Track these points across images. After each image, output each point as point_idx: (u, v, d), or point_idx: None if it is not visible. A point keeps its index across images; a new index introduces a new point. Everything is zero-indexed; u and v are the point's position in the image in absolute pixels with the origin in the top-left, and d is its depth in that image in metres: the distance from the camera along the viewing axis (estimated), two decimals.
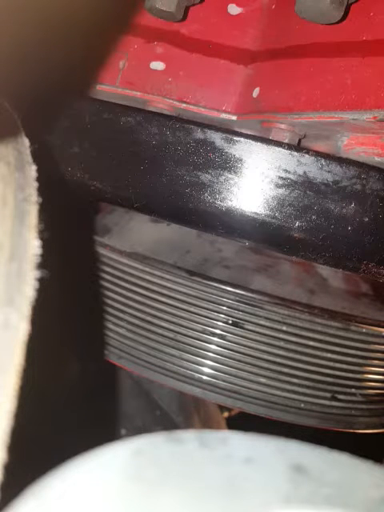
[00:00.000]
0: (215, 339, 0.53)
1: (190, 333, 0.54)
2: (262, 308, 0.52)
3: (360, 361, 0.55)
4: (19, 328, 0.23)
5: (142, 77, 0.52)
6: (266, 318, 0.52)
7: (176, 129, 0.44)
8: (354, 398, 0.56)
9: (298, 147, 0.43)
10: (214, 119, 0.51)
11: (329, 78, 0.43)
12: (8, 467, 0.21)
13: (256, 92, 0.49)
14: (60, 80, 0.50)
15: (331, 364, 0.54)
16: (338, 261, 0.45)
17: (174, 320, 0.54)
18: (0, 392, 0.21)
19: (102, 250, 0.60)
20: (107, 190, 0.47)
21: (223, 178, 0.44)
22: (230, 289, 0.53)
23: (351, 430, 0.57)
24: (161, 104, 0.52)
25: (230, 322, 0.53)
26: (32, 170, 0.31)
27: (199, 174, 0.44)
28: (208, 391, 0.54)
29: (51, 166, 0.49)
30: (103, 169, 0.47)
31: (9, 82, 0.39)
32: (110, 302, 0.58)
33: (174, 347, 0.54)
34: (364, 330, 0.54)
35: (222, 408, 0.87)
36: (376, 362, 0.56)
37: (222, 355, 0.53)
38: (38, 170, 0.31)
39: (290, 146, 0.43)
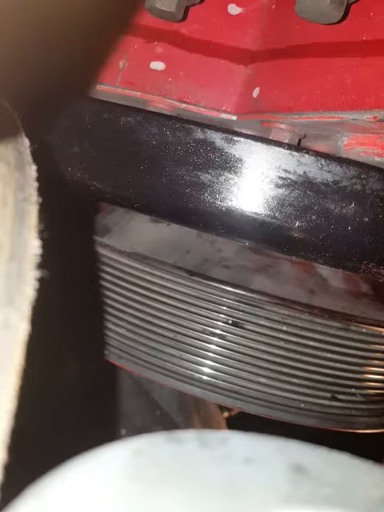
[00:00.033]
0: (215, 339, 0.53)
1: (190, 333, 0.54)
2: (261, 308, 0.52)
3: (360, 361, 0.55)
4: (19, 328, 0.23)
5: (141, 77, 0.52)
6: (266, 318, 0.52)
7: (176, 129, 0.44)
8: (353, 398, 0.56)
9: (298, 147, 0.43)
10: (213, 119, 0.51)
11: (329, 77, 0.43)
12: (8, 467, 0.21)
13: (256, 92, 0.49)
14: (60, 80, 0.50)
15: (331, 364, 0.54)
16: (338, 261, 0.45)
17: (174, 320, 0.54)
18: (0, 392, 0.21)
19: (102, 250, 0.60)
20: (107, 190, 0.47)
21: (223, 178, 0.44)
22: (230, 289, 0.53)
23: (351, 430, 0.57)
24: (161, 104, 0.52)
25: (230, 321, 0.53)
26: (32, 170, 0.31)
27: (199, 173, 0.44)
28: (208, 391, 0.54)
29: (51, 165, 0.48)
30: (103, 169, 0.47)
31: (9, 82, 0.39)
32: (109, 301, 0.58)
33: (174, 347, 0.54)
34: (364, 330, 0.54)
35: (222, 408, 0.87)
36: (376, 361, 0.56)
37: (221, 355, 0.53)
38: (38, 170, 0.31)
39: (290, 146, 0.43)
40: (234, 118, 0.51)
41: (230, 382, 0.53)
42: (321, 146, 0.52)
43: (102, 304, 0.59)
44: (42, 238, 0.26)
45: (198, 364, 0.54)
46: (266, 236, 0.45)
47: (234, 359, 0.53)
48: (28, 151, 0.33)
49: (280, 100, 0.46)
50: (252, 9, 0.50)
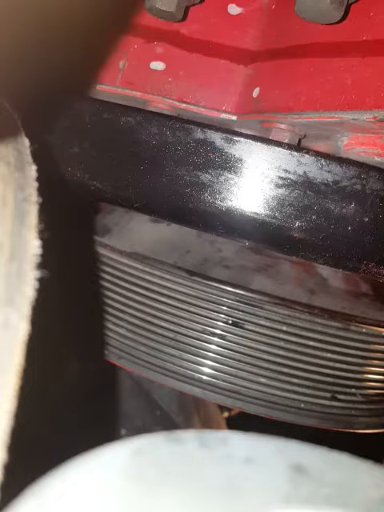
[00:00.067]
0: (215, 339, 0.53)
1: (190, 333, 0.54)
2: (262, 308, 0.52)
3: (360, 361, 0.55)
4: (19, 328, 0.23)
5: (142, 77, 0.52)
6: (266, 318, 0.52)
7: (176, 129, 0.44)
8: (353, 398, 0.56)
9: (298, 147, 0.43)
10: (214, 119, 0.51)
11: (329, 77, 0.43)
12: (8, 467, 0.21)
13: (256, 92, 0.49)
14: (60, 80, 0.50)
15: (331, 364, 0.54)
16: (338, 261, 0.45)
17: (174, 320, 0.54)
18: (0, 392, 0.21)
19: (102, 250, 0.60)
20: (107, 190, 0.47)
21: (223, 177, 0.44)
22: (230, 289, 0.53)
23: (351, 430, 0.57)
24: (161, 104, 0.52)
25: (230, 321, 0.53)
26: (32, 170, 0.31)
27: (199, 173, 0.44)
28: (208, 391, 0.54)
29: (51, 165, 0.48)
30: (103, 169, 0.47)
31: (9, 82, 0.39)
32: (109, 301, 0.58)
33: (174, 347, 0.54)
34: (364, 330, 0.54)
35: (222, 408, 0.87)
36: (376, 361, 0.56)
37: (222, 355, 0.53)
38: (38, 170, 0.31)
39: (290, 146, 0.43)
40: (234, 118, 0.51)
41: (230, 382, 0.53)
42: (321, 146, 0.52)
43: (102, 304, 0.58)
44: (42, 238, 0.26)
45: (198, 364, 0.54)
46: (265, 236, 0.45)
47: (233, 359, 0.53)
48: (28, 151, 0.33)
49: (280, 100, 0.46)
50: (252, 9, 0.50)
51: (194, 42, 0.51)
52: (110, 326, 0.58)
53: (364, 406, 0.57)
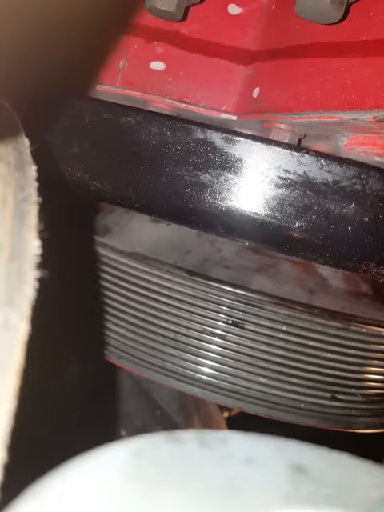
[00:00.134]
0: (215, 339, 0.53)
1: (190, 333, 0.54)
2: (262, 308, 0.52)
3: (360, 361, 0.55)
4: (19, 328, 0.23)
5: (142, 77, 0.52)
6: (266, 318, 0.52)
7: (176, 129, 0.44)
8: (354, 398, 0.56)
9: (298, 147, 0.43)
10: (214, 119, 0.51)
11: (329, 77, 0.43)
12: (8, 467, 0.21)
13: (256, 92, 0.49)
14: (60, 80, 0.50)
15: (331, 364, 0.54)
16: (338, 261, 0.45)
17: (174, 320, 0.54)
18: (0, 392, 0.21)
19: (102, 250, 0.60)
20: (107, 190, 0.47)
21: (223, 177, 0.44)
22: (230, 289, 0.53)
23: (351, 430, 0.57)
24: (161, 104, 0.52)
25: (230, 321, 0.53)
26: (32, 170, 0.31)
27: (199, 173, 0.44)
28: (208, 391, 0.54)
29: (51, 165, 0.48)
30: (103, 169, 0.47)
31: (9, 82, 0.39)
32: (110, 301, 0.58)
33: (174, 347, 0.54)
34: (364, 330, 0.54)
35: (222, 408, 0.87)
36: (376, 361, 0.56)
37: (222, 355, 0.53)
38: (38, 170, 0.31)
39: (290, 146, 0.43)
40: (234, 118, 0.51)
41: (230, 382, 0.53)
42: (321, 146, 0.52)
43: (102, 304, 0.58)
44: (42, 238, 0.26)
45: (198, 364, 0.54)
46: (266, 236, 0.45)
47: (234, 359, 0.53)
48: (28, 151, 0.33)
49: (280, 100, 0.46)
50: (252, 9, 0.50)
51: (194, 42, 0.51)
52: (110, 325, 0.58)
53: (364, 406, 0.57)
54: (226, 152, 0.43)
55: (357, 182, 0.42)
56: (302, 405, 0.54)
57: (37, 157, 0.32)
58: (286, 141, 0.47)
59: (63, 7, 0.42)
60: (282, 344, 0.52)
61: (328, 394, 0.54)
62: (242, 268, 0.56)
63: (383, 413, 0.59)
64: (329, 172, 0.42)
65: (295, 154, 0.42)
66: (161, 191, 0.45)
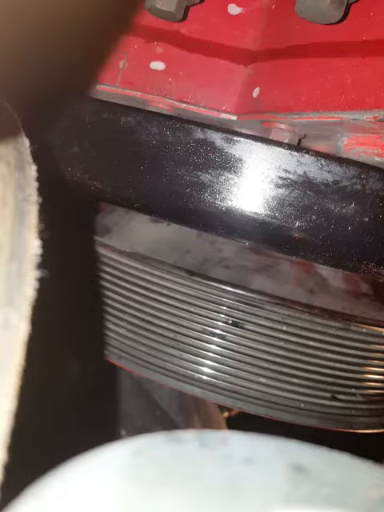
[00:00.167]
0: (215, 339, 0.53)
1: (190, 333, 0.54)
2: (262, 308, 0.52)
3: (360, 361, 0.55)
4: (19, 328, 0.23)
5: (142, 77, 0.52)
6: (266, 318, 0.52)
7: (176, 129, 0.44)
8: (354, 398, 0.56)
9: (298, 147, 0.43)
10: (214, 119, 0.51)
11: (329, 77, 0.43)
12: (8, 467, 0.21)
13: (256, 92, 0.49)
14: (60, 80, 0.50)
15: (331, 364, 0.54)
16: (338, 261, 0.45)
17: (174, 320, 0.54)
18: (0, 392, 0.21)
19: (102, 250, 0.60)
20: (107, 190, 0.47)
21: (223, 177, 0.44)
22: (230, 289, 0.53)
23: (351, 430, 0.57)
24: (161, 104, 0.52)
25: (230, 322, 0.53)
26: (32, 170, 0.31)
27: (199, 173, 0.44)
28: (208, 391, 0.54)
29: (51, 165, 0.48)
30: (103, 169, 0.47)
31: (9, 82, 0.39)
32: (110, 301, 0.58)
33: (174, 347, 0.54)
34: (364, 330, 0.54)
35: (222, 408, 0.87)
36: (376, 361, 0.56)
37: (222, 355, 0.53)
38: (38, 170, 0.31)
39: (290, 146, 0.43)
40: (234, 118, 0.51)
41: (230, 382, 0.53)
42: (321, 146, 0.52)
43: (102, 304, 0.58)
44: (42, 238, 0.26)
45: (198, 364, 0.54)
46: (266, 236, 0.45)
47: (234, 359, 0.53)
48: (28, 151, 0.33)
49: (280, 100, 0.46)
50: (252, 9, 0.50)
51: (194, 42, 0.51)
52: (110, 325, 0.58)
53: (364, 406, 0.57)
54: (226, 152, 0.43)
55: (357, 182, 0.42)
56: (302, 405, 0.54)
57: (37, 157, 0.32)
58: (286, 141, 0.47)
59: (63, 7, 0.42)
60: (281, 344, 0.52)
61: (328, 394, 0.54)
62: (242, 268, 0.56)
63: (383, 413, 0.59)
64: (329, 172, 0.42)
65: (295, 153, 0.42)
66: (161, 191, 0.45)
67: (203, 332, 0.53)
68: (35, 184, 0.30)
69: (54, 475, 0.21)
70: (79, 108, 0.48)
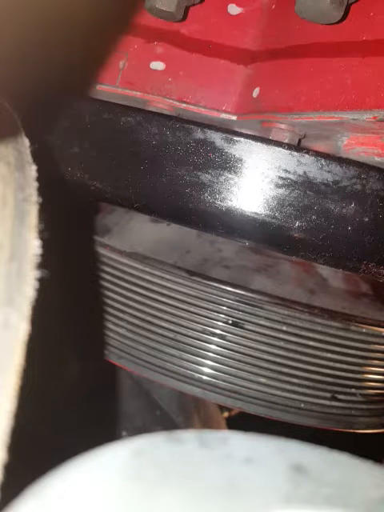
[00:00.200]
0: (215, 339, 0.53)
1: (190, 333, 0.54)
2: (262, 308, 0.52)
3: (360, 361, 0.55)
4: (19, 328, 0.23)
5: (142, 77, 0.52)
6: (266, 318, 0.52)
7: (176, 129, 0.44)
8: (354, 398, 0.56)
9: (298, 147, 0.43)
10: (214, 119, 0.51)
11: (329, 77, 0.43)
12: (8, 467, 0.21)
13: (256, 92, 0.49)
14: (60, 80, 0.50)
15: (331, 364, 0.54)
16: (338, 261, 0.45)
17: (174, 320, 0.54)
18: (0, 392, 0.21)
19: (102, 250, 0.60)
20: (107, 190, 0.47)
21: (223, 177, 0.44)
22: (230, 289, 0.53)
23: (351, 430, 0.57)
24: (161, 104, 0.52)
25: (230, 321, 0.53)
26: (32, 170, 0.31)
27: (199, 173, 0.44)
28: (208, 391, 0.54)
29: (51, 165, 0.48)
30: (103, 169, 0.47)
31: (9, 82, 0.39)
32: (110, 301, 0.58)
33: (174, 347, 0.54)
34: (364, 330, 0.54)
35: (222, 408, 0.87)
36: (376, 361, 0.56)
37: (222, 355, 0.53)
38: (38, 170, 0.31)
39: (290, 146, 0.43)
40: (234, 118, 0.51)
41: (230, 382, 0.53)
42: (321, 146, 0.52)
43: (102, 304, 0.58)
44: (42, 238, 0.26)
45: (198, 364, 0.54)
46: (266, 236, 0.45)
47: (234, 359, 0.53)
48: (28, 151, 0.33)
49: (280, 100, 0.46)
50: (252, 9, 0.50)
51: (194, 41, 0.51)
52: (110, 325, 0.58)
53: (364, 406, 0.57)
54: (226, 152, 0.43)
55: (357, 182, 0.42)
56: (302, 405, 0.54)
57: (37, 157, 0.32)
58: (286, 141, 0.47)
59: (63, 7, 0.42)
60: (282, 344, 0.52)
61: (328, 394, 0.54)
62: (242, 268, 0.56)
63: (383, 413, 0.59)
64: (329, 172, 0.42)
65: (295, 153, 0.42)
66: (161, 191, 0.45)
67: (203, 332, 0.53)
68: (35, 184, 0.30)
69: (54, 475, 0.21)
70: (79, 108, 0.48)
